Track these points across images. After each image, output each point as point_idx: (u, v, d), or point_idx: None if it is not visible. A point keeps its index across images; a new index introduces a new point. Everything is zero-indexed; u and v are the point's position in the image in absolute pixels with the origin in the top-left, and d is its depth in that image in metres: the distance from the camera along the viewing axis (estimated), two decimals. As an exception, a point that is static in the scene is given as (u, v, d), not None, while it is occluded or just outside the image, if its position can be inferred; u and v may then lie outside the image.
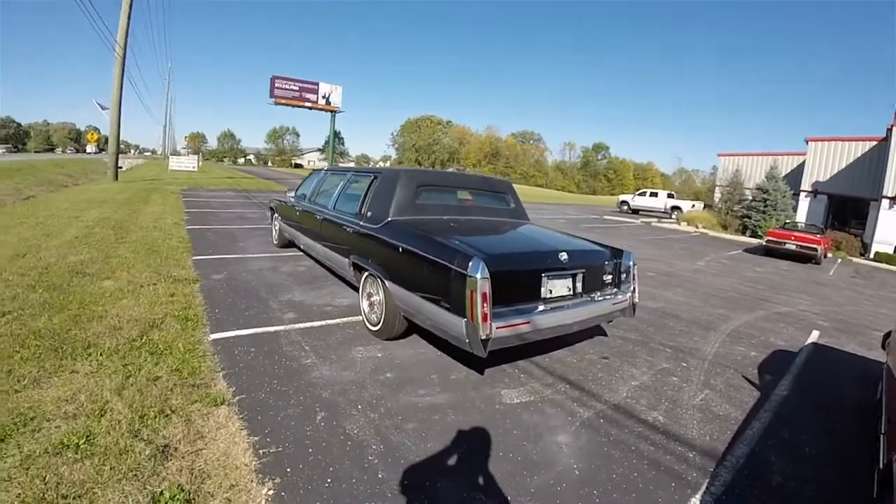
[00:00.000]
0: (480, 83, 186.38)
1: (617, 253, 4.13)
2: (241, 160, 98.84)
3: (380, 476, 2.28)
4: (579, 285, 3.71)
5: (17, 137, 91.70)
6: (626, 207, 28.60)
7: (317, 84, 59.17)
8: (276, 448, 2.40)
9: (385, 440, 2.56)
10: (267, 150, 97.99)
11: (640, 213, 27.71)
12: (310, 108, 59.07)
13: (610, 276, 4.05)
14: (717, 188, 25.97)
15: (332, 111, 59.67)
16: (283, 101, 58.52)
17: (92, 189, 15.90)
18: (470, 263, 2.90)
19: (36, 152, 77.04)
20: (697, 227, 20.01)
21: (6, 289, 4.54)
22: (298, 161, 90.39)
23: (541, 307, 3.38)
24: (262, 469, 2.26)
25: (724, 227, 20.11)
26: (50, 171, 25.49)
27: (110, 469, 2.19)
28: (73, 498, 1.98)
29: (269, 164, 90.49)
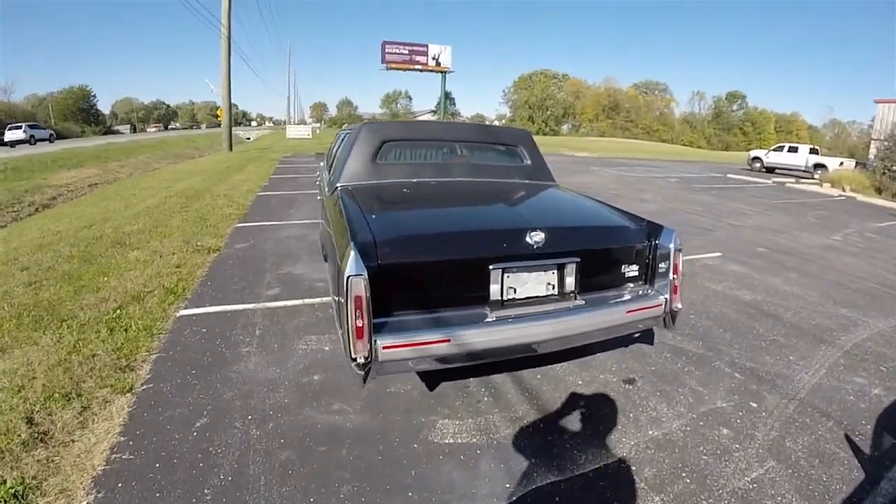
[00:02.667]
0: (597, 28, 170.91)
1: (650, 230, 2.77)
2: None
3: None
4: (570, 280, 2.49)
5: (167, 117, 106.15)
6: (758, 165, 24.27)
7: (426, 46, 59.28)
8: (129, 455, 2.19)
9: (239, 471, 2.08)
10: (382, 114, 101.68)
11: (777, 171, 23.38)
12: (420, 71, 59.68)
13: (635, 267, 2.72)
14: (872, 142, 20.71)
15: (442, 72, 59.60)
16: (394, 66, 59.70)
17: (204, 161, 17.73)
18: (348, 252, 2.02)
19: (183, 128, 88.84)
20: (844, 190, 16.29)
21: (50, 259, 5.04)
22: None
23: (490, 316, 2.29)
24: (99, 478, 2.05)
25: (879, 191, 16.07)
26: (180, 146, 29.04)
27: None
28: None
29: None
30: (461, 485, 2.04)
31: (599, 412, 2.64)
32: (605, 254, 2.69)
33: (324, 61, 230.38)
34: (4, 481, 2.02)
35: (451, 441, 2.33)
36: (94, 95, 67.71)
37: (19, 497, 1.95)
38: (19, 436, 2.29)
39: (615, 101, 79.11)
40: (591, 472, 2.15)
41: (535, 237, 2.35)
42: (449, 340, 2.12)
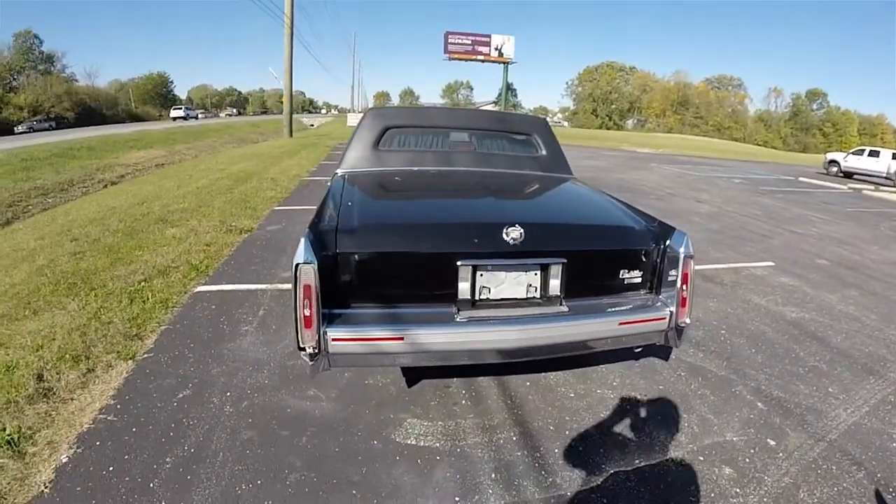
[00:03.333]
0: (669, 18, 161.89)
1: (659, 232, 2.45)
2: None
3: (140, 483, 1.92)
4: (555, 283, 2.24)
5: (238, 103, 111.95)
6: (835, 169, 22.07)
7: (489, 36, 58.73)
8: (112, 417, 2.31)
9: (202, 445, 2.12)
10: (443, 104, 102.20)
11: (854, 177, 21.19)
12: (482, 61, 59.28)
13: (637, 273, 2.41)
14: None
15: (504, 62, 58.94)
16: (457, 56, 59.63)
17: (263, 145, 18.55)
18: (301, 241, 1.96)
19: (252, 114, 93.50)
20: (932, 201, 14.52)
21: (97, 231, 5.45)
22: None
23: (458, 316, 2.11)
24: (83, 435, 2.19)
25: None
26: (245, 131, 30.56)
27: None
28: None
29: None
30: (408, 491, 1.94)
31: (583, 433, 2.37)
32: (599, 256, 2.41)
33: (389, 51, 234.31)
34: (4, 428, 2.21)
35: (413, 442, 2.23)
36: (172, 81, 72.87)
37: (13, 444, 2.12)
38: (27, 390, 2.49)
39: (684, 96, 74.97)
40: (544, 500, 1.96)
41: (513, 233, 2.13)
42: (402, 339, 2.00)
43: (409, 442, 2.23)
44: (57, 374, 2.67)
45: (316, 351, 1.93)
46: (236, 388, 2.56)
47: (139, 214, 6.26)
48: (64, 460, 2.05)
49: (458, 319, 2.11)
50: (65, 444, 2.15)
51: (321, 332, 1.93)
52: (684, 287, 2.32)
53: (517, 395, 2.65)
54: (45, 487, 1.91)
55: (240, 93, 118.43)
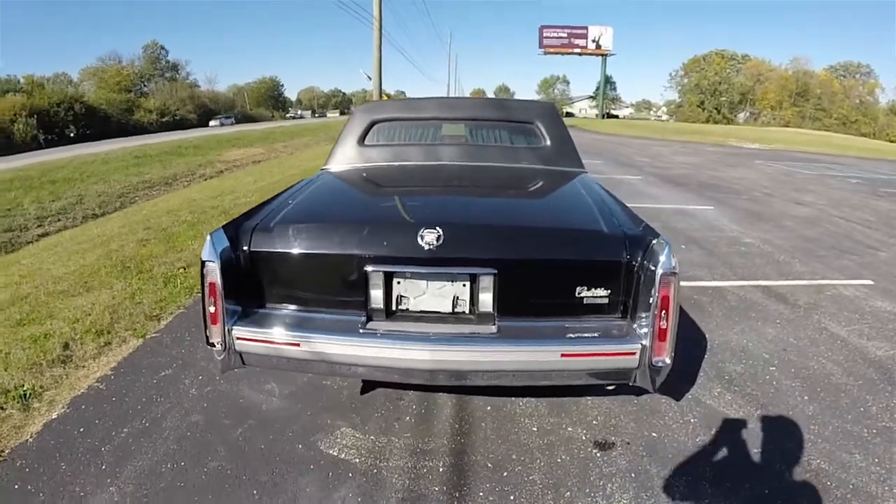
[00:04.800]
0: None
1: (634, 240, 1.94)
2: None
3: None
4: (485, 298, 1.93)
5: (343, 104, 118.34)
6: None
7: (585, 28, 56.60)
8: (103, 386, 2.61)
9: (155, 422, 2.30)
10: (539, 100, 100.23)
11: None
12: (579, 55, 57.51)
13: (603, 292, 1.93)
14: None
15: (602, 55, 56.68)
16: (552, 50, 58.19)
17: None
18: (207, 238, 1.93)
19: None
20: None
21: (168, 221, 6.13)
22: (569, 110, 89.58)
23: (366, 327, 1.93)
24: (76, 399, 2.49)
25: None
26: (339, 129, 32.28)
27: (24, 359, 2.85)
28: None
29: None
30: (303, 503, 1.87)
31: (521, 480, 1.97)
32: (544, 267, 1.99)
33: (483, 48, 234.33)
34: (22, 385, 2.60)
35: (335, 454, 2.12)
36: (282, 84, 79.51)
37: (23, 399, 2.48)
38: (52, 355, 2.90)
39: (804, 86, 66.15)
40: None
41: (428, 237, 1.84)
42: (298, 345, 1.88)
43: (331, 452, 2.13)
44: (81, 344, 3.07)
45: (223, 348, 1.93)
46: (208, 373, 2.74)
47: (209, 207, 6.94)
48: (54, 417, 2.36)
49: (361, 331, 1.92)
50: (60, 404, 2.47)
51: (225, 329, 1.90)
52: (664, 314, 1.82)
53: (470, 421, 2.35)
54: (31, 438, 2.22)
55: (344, 94, 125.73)
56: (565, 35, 57.12)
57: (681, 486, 1.96)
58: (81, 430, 2.27)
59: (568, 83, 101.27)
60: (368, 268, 1.91)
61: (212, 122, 49.70)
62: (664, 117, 76.78)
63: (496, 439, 2.23)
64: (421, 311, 2.00)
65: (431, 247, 1.85)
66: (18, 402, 2.45)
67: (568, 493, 1.92)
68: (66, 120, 32.46)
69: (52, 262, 4.99)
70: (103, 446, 2.15)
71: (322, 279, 2.06)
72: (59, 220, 8.43)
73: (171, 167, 13.45)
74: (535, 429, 2.31)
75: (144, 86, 55.40)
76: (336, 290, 2.04)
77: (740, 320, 3.57)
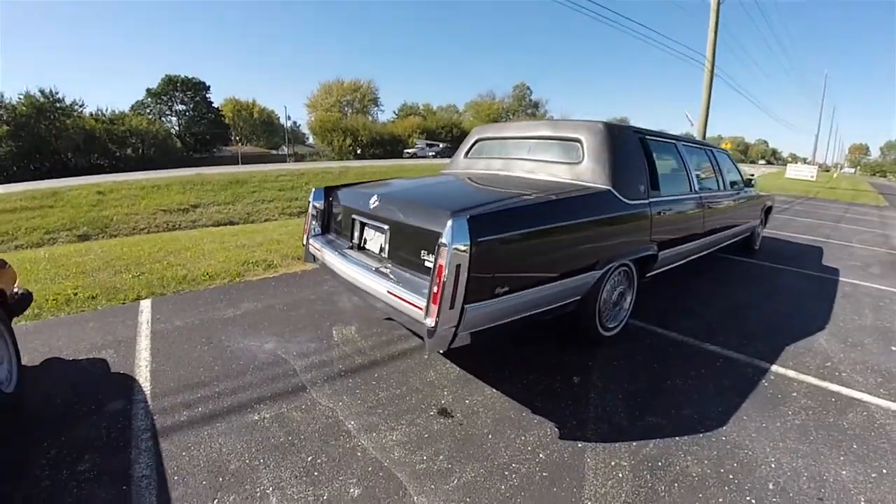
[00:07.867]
0: None
1: (446, 218, 2.12)
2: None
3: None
4: (385, 245, 2.78)
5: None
6: None
7: None
8: (292, 272, 4.70)
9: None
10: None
11: None
12: None
13: (431, 257, 2.34)
14: None
15: None
16: None
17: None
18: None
19: None
20: None
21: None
22: None
23: (344, 250, 3.03)
24: (285, 274, 4.69)
25: None
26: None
27: (261, 261, 5.33)
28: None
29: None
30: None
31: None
32: (405, 230, 2.64)
33: (871, 94, 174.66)
34: (265, 261, 4.98)
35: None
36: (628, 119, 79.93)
37: (268, 266, 4.83)
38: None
39: None
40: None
41: (373, 202, 2.87)
42: (321, 251, 3.17)
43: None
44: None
45: (306, 250, 3.44)
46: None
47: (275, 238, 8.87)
48: (280, 273, 4.63)
49: (342, 252, 3.02)
50: (279, 273, 4.69)
51: (308, 239, 3.43)
52: (436, 281, 2.06)
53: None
54: (275, 276, 4.59)
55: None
56: None
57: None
58: (295, 279, 4.50)
59: None
60: (353, 216, 3.11)
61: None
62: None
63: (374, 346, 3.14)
64: (368, 249, 3.01)
65: (373, 207, 2.88)
66: (266, 266, 4.84)
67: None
68: (445, 139, 42.34)
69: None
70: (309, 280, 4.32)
71: (339, 219, 3.37)
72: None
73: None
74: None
75: (509, 118, 66.10)
76: (344, 226, 3.28)
77: None
